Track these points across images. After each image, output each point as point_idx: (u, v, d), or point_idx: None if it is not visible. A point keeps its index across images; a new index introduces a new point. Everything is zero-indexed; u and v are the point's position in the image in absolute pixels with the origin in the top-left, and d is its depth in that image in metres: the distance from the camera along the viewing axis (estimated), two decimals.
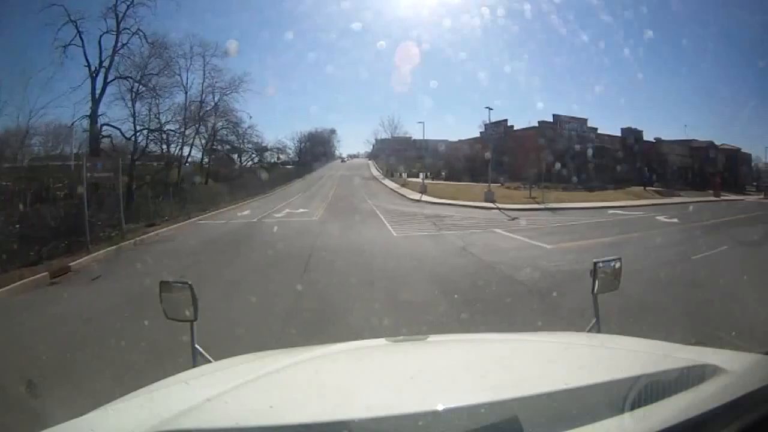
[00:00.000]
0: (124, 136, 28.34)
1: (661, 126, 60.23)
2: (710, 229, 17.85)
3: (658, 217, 21.45)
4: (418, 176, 35.01)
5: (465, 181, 36.56)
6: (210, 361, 2.38)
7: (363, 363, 2.01)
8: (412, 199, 29.21)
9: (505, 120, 38.95)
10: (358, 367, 1.95)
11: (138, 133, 28.53)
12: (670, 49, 43.80)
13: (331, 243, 14.21)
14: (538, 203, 26.57)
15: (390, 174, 42.75)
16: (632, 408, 1.29)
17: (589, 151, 36.06)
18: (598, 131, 38.86)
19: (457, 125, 79.64)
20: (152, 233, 17.68)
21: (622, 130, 39.53)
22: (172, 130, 30.84)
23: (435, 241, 14.93)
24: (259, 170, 37.64)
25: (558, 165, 33.07)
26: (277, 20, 48.44)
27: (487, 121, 35.82)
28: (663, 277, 9.35)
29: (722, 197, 34.12)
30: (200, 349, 2.47)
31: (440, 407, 1.29)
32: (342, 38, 51.09)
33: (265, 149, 39.95)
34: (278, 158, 42.57)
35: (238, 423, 1.32)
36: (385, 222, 19.44)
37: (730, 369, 1.47)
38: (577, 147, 36.00)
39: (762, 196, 35.88)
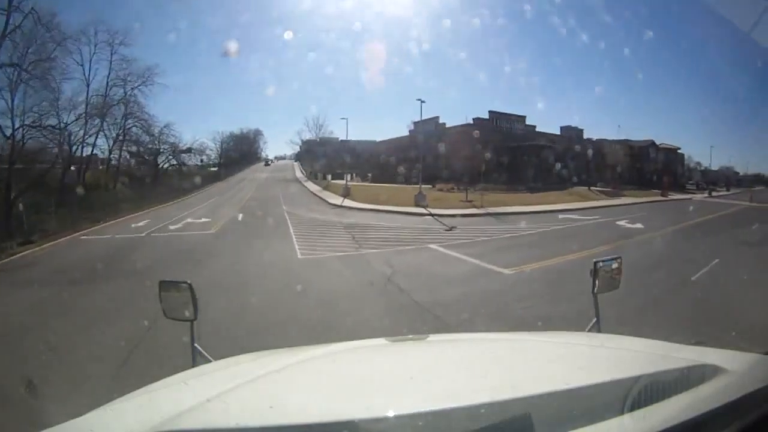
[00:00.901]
0: (3, 133, 25.48)
1: (600, 126, 60.75)
2: (684, 236, 16.96)
3: (619, 222, 20.12)
4: (343, 177, 34.32)
5: (395, 183, 35.02)
6: (210, 361, 2.43)
7: (363, 363, 2.04)
8: (332, 204, 27.21)
9: (437, 117, 38.05)
10: (358, 367, 1.98)
11: (16, 131, 25.64)
12: (608, 50, 44.18)
13: (209, 273, 11.25)
14: (476, 207, 25.01)
15: (314, 176, 41.77)
16: (632, 408, 1.32)
17: (529, 150, 36.12)
18: (537, 129, 39.02)
19: (389, 126, 77.10)
20: (20, 254, 15.88)
21: (562, 128, 39.45)
22: (53, 126, 27.60)
23: (351, 267, 12.01)
24: (176, 174, 36.55)
25: (495, 164, 32.82)
26: (200, 11, 46.60)
27: (418, 119, 34.08)
28: (683, 316, 7.47)
29: (670, 197, 34.98)
30: (200, 349, 2.51)
31: (440, 407, 1.33)
32: (270, 34, 48.91)
33: (188, 150, 37.83)
34: (201, 161, 40.92)
35: (238, 423, 1.35)
36: (293, 236, 16.95)
37: (730, 369, 1.53)
38: (516, 145, 36.03)
39: (707, 195, 37.44)
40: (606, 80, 46.94)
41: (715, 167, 43.77)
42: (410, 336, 2.53)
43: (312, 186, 37.42)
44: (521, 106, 59.69)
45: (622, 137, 39.09)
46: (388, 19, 43.48)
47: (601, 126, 65.83)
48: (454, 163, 33.90)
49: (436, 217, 21.71)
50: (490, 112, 37.74)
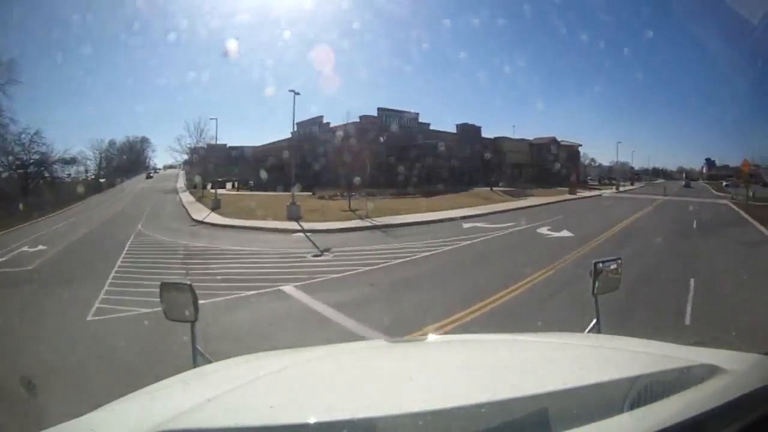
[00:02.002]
0: None
1: (498, 123, 61.69)
2: (629, 247, 14.35)
3: (540, 231, 17.66)
4: (224, 186, 34.26)
5: (275, 191, 33.59)
6: (210, 362, 2.54)
7: (363, 363, 2.14)
8: (194, 220, 25.13)
9: (321, 117, 37.29)
10: (358, 367, 2.07)
11: None
12: (504, 47, 45.87)
13: None
14: (360, 218, 23.03)
15: (193, 186, 40.93)
16: (632, 408, 1.34)
17: (423, 150, 35.11)
18: (431, 128, 38.16)
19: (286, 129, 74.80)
20: None
21: (458, 126, 39.02)
22: None
23: (141, 343, 7.79)
24: (49, 187, 35.05)
25: (384, 166, 31.79)
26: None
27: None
28: None
29: (579, 194, 35.00)
30: (200, 350, 2.61)
31: (440, 407, 1.36)
32: (156, 32, 46.90)
33: (70, 161, 37.24)
34: (86, 172, 40.76)
35: (237, 423, 1.38)
36: (113, 273, 13.37)
37: (730, 369, 1.57)
38: (408, 145, 35.10)
39: (615, 190, 39.16)
40: (502, 77, 48.41)
41: (608, 163, 46.96)
42: (410, 337, 2.82)
43: (186, 197, 36.34)
44: (415, 103, 58.72)
45: (519, 136, 40.02)
46: (272, 13, 41.07)
47: (499, 124, 67.04)
48: (338, 167, 32.60)
49: (309, 234, 18.92)
50: (379, 109, 37.13)
